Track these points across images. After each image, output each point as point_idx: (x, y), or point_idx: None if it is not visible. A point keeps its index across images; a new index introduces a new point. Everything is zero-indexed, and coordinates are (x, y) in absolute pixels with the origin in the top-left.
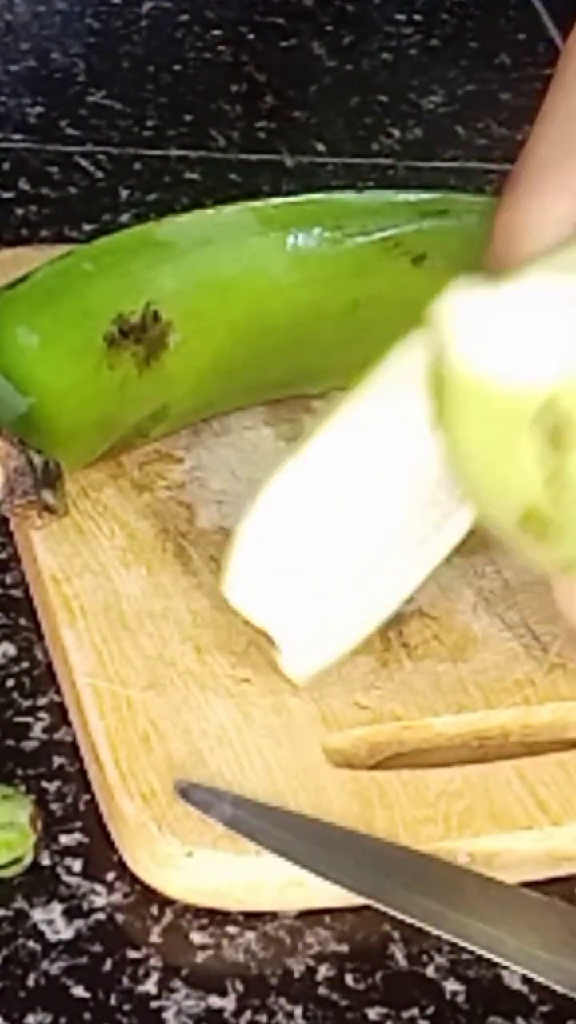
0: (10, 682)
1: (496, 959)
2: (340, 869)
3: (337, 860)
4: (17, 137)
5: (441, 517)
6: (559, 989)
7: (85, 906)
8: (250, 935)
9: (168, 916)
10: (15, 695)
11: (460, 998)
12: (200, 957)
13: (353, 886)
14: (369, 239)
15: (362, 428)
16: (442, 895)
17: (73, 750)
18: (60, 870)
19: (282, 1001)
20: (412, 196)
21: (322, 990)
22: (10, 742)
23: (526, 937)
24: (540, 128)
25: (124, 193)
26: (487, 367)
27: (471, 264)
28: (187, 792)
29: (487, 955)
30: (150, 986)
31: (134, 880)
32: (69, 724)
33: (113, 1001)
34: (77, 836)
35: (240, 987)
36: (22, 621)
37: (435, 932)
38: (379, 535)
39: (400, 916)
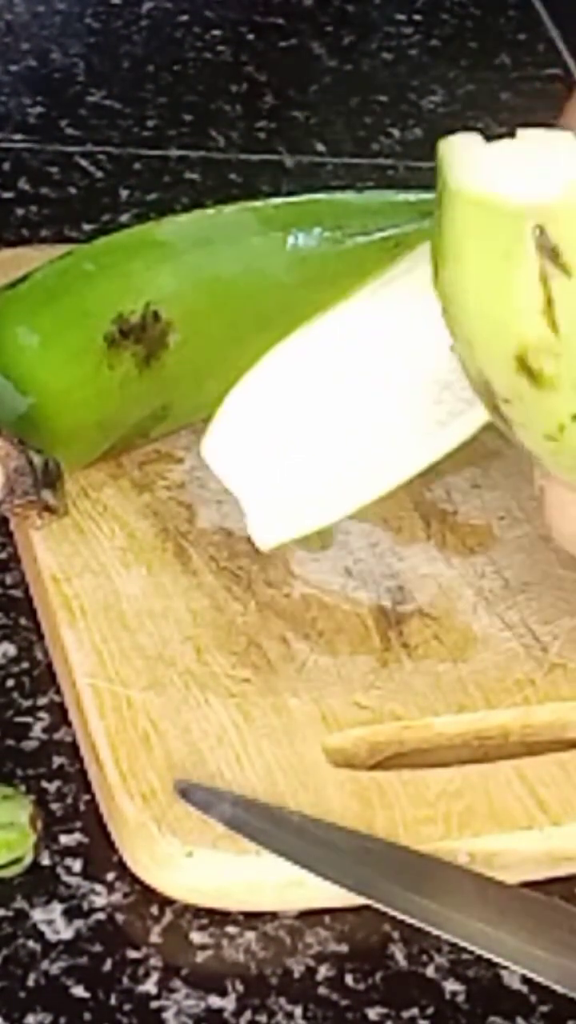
0: (10, 682)
1: (496, 959)
2: (340, 869)
3: (337, 860)
4: (17, 137)
5: (446, 415)
6: (559, 989)
7: (85, 906)
8: (250, 935)
9: (168, 916)
10: (15, 695)
11: (460, 998)
12: (200, 957)
13: (353, 886)
14: (369, 239)
15: (373, 316)
16: (442, 895)
17: (73, 750)
18: (60, 870)
19: (282, 1001)
20: (412, 196)
21: (322, 990)
22: (10, 742)
23: (526, 937)
24: None
25: (124, 193)
26: (487, 186)
27: None
28: (187, 792)
29: (487, 955)
30: (150, 986)
31: (134, 880)
32: (69, 724)
33: (113, 1001)
34: (77, 836)
35: (240, 987)
36: (22, 621)
37: (435, 932)
38: (372, 422)
39: (400, 916)
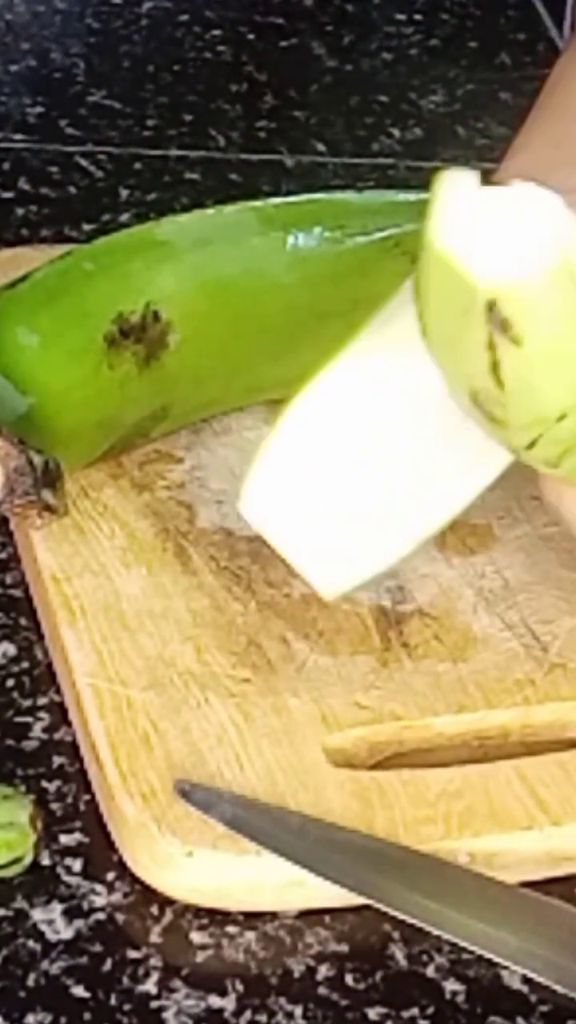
0: (10, 682)
1: (496, 959)
2: (340, 869)
3: (337, 860)
4: (17, 137)
5: (484, 442)
6: (559, 989)
7: (85, 906)
8: (250, 935)
9: (168, 916)
10: (15, 695)
11: (460, 998)
12: (200, 957)
13: (353, 886)
14: (369, 239)
15: (393, 349)
16: (442, 895)
17: (73, 750)
18: (60, 870)
19: (282, 1001)
20: (412, 196)
21: (322, 990)
22: (10, 742)
23: (526, 937)
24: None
25: (124, 193)
26: (455, 248)
27: None
28: (187, 792)
29: (487, 955)
30: (150, 986)
31: (134, 880)
32: (69, 724)
33: (113, 1001)
34: (77, 836)
35: (240, 987)
36: (22, 621)
37: (435, 932)
38: (411, 457)
39: (400, 916)
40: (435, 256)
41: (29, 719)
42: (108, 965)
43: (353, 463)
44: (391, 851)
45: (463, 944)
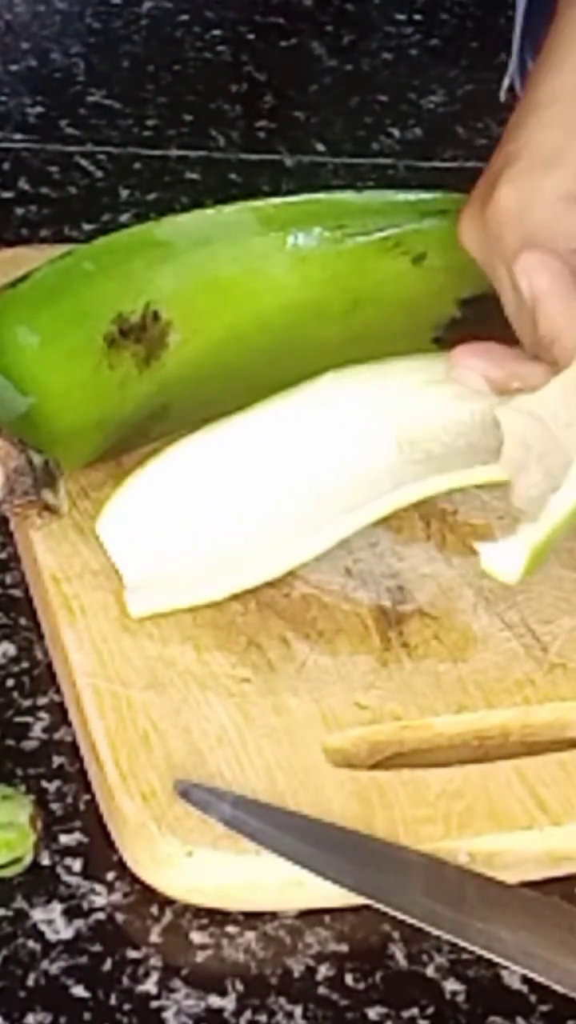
0: (10, 682)
1: (496, 959)
2: (340, 869)
3: (337, 860)
4: (17, 137)
5: (322, 521)
6: (559, 989)
7: (85, 906)
8: (250, 935)
9: (168, 916)
10: (15, 695)
11: (460, 998)
12: (200, 957)
13: (353, 886)
14: (369, 239)
15: (266, 429)
16: (442, 895)
17: (73, 750)
18: (60, 870)
19: (282, 1001)
20: (412, 196)
21: (322, 990)
22: (10, 742)
23: (526, 937)
24: (538, 111)
25: (124, 193)
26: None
27: (470, 263)
28: (187, 792)
29: (487, 955)
30: (150, 986)
31: (134, 880)
32: (69, 724)
33: (113, 1001)
34: (77, 836)
35: (240, 987)
36: (22, 621)
37: (435, 932)
38: (251, 520)
39: (400, 916)
40: None
41: (29, 719)
42: (108, 965)
43: (199, 512)
44: (391, 851)
45: (463, 944)
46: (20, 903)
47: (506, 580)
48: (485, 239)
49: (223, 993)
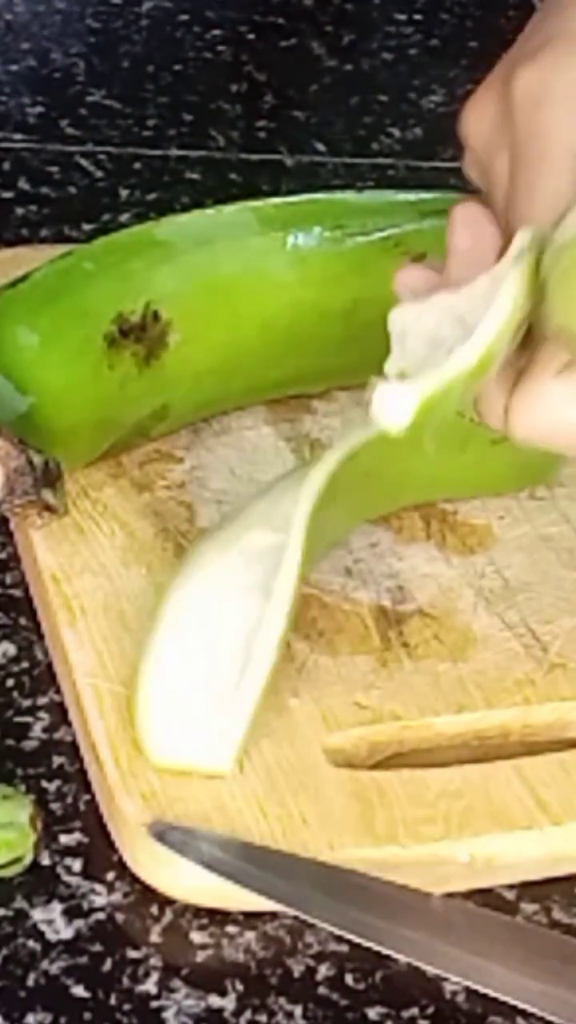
0: (10, 682)
1: (490, 992)
2: (323, 907)
3: (319, 898)
4: (17, 137)
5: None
6: (555, 1020)
7: (85, 906)
8: (250, 935)
9: (168, 916)
10: (15, 695)
11: (460, 998)
12: (200, 957)
13: (337, 923)
14: (369, 239)
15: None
16: (429, 929)
17: (73, 750)
18: (60, 870)
19: (282, 1001)
20: (412, 196)
21: (322, 990)
22: (10, 742)
23: (516, 967)
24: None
25: (124, 193)
26: None
27: None
28: (162, 834)
29: (480, 989)
30: (150, 986)
31: (134, 880)
32: (69, 724)
33: (113, 1001)
34: (77, 836)
35: (240, 987)
36: (22, 621)
37: (424, 967)
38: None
39: (387, 952)
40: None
41: (29, 719)
42: (108, 965)
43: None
44: (375, 887)
45: (454, 978)
46: (20, 903)
47: (389, 426)
48: (497, 122)
49: (223, 993)
